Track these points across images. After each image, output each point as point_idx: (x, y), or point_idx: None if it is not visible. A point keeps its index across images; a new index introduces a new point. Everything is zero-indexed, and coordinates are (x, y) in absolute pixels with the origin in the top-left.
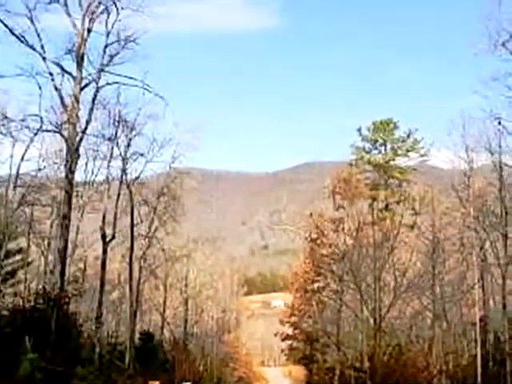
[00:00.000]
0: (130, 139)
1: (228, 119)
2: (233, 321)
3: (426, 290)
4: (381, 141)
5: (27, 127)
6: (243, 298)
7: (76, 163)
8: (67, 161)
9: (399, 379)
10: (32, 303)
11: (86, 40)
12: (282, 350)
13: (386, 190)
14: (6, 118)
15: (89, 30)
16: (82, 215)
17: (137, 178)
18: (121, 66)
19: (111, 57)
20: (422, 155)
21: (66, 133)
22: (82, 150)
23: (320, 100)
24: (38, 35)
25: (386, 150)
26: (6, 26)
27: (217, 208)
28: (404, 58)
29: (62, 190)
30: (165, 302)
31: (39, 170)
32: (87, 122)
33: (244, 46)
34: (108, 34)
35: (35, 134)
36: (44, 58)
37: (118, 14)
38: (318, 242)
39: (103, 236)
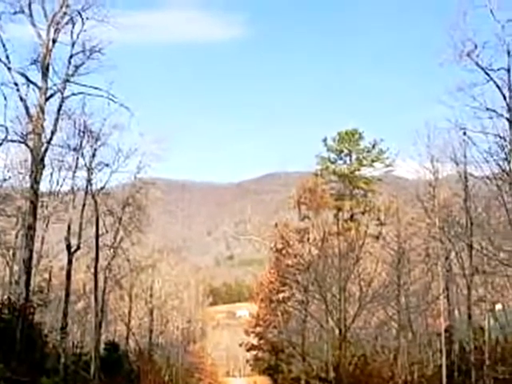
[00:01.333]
0: (96, 149)
1: (193, 130)
2: (198, 331)
3: (392, 301)
4: (346, 151)
5: None
6: (208, 308)
7: (41, 173)
8: (32, 171)
9: None
10: None
11: (51, 50)
12: (247, 361)
13: (351, 200)
14: None
15: (54, 41)
16: (47, 225)
17: (102, 188)
18: (86, 77)
19: (76, 67)
20: (387, 165)
21: (31, 143)
22: (47, 161)
23: (286, 110)
24: (3, 45)
25: (351, 160)
26: None
27: (182, 218)
28: (370, 68)
29: (27, 201)
30: (130, 313)
31: (4, 180)
32: (52, 133)
33: (211, 56)
34: (73, 45)
35: (0, 145)
36: (9, 69)
37: (83, 24)
38: (284, 252)
39: (68, 246)
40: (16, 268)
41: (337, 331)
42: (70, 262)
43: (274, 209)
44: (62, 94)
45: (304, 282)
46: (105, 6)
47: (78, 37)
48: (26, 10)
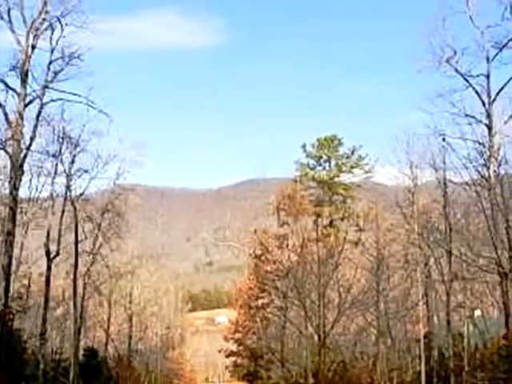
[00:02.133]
0: (75, 156)
1: (172, 136)
2: (177, 337)
3: (371, 307)
4: (325, 157)
5: None
6: (187, 315)
7: (20, 180)
8: (11, 177)
9: None
10: None
11: (30, 56)
12: (227, 367)
13: (330, 206)
14: None
15: (33, 47)
16: (26, 232)
17: (81, 194)
18: (65, 83)
19: (55, 73)
20: (367, 172)
21: (10, 149)
22: (26, 167)
23: (265, 116)
24: None
25: (330, 166)
26: None
27: (161, 224)
28: (349, 74)
29: (6, 207)
30: (109, 319)
31: None
32: (31, 139)
33: (189, 63)
34: (52, 51)
35: None
36: None
37: (62, 30)
38: (263, 258)
39: (47, 252)
40: None
41: (316, 337)
42: (49, 268)
43: (253, 215)
44: (41, 100)
45: (283, 288)
46: (84, 12)
47: (57, 43)
48: (5, 17)
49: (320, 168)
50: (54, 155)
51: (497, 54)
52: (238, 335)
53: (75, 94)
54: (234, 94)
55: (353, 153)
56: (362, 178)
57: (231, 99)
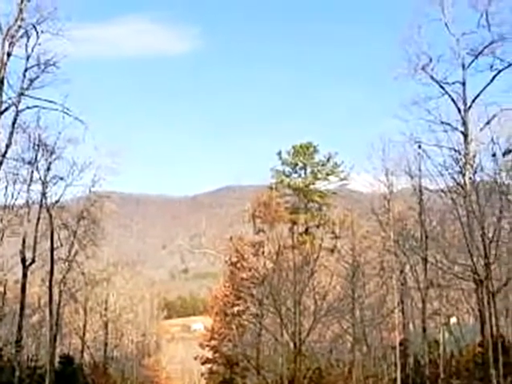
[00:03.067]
0: (50, 163)
1: (148, 143)
2: (153, 344)
3: (346, 314)
4: (301, 164)
5: None
6: (163, 322)
7: None
8: None
9: None
10: None
11: (5, 64)
12: (202, 374)
13: (305, 213)
14: None
15: (8, 54)
16: (1, 239)
17: (57, 201)
18: (41, 90)
19: (31, 80)
20: (342, 179)
21: None
22: (1, 174)
23: (241, 123)
24: None
25: (305, 173)
26: None
27: (137, 232)
28: (326, 81)
29: None
30: (85, 326)
31: None
32: (7, 146)
33: (164, 70)
34: (28, 58)
35: None
36: None
37: (37, 37)
38: (238, 265)
39: (23, 260)
40: None
41: (291, 344)
42: (24, 275)
43: (228, 222)
44: (17, 107)
45: (259, 295)
46: (59, 20)
47: (32, 50)
48: None
49: (296, 175)
50: (29, 162)
51: (472, 62)
52: (213, 342)
53: (51, 102)
54: (209, 101)
55: (328, 160)
56: (337, 186)
57: (207, 106)
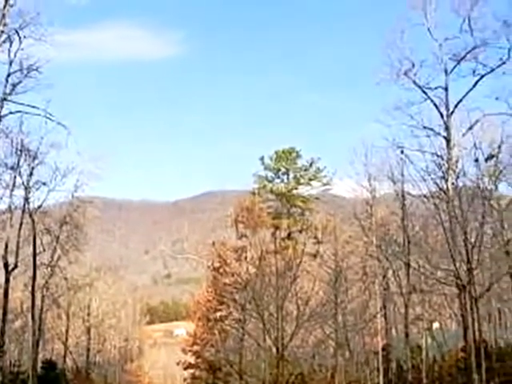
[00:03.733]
0: (33, 168)
1: (131, 148)
2: (135, 349)
3: (329, 319)
4: (283, 170)
5: None
6: (146, 327)
7: None
8: None
9: None
10: None
11: None
12: (185, 379)
13: (288, 218)
14: None
15: None
16: None
17: (39, 206)
18: (23, 95)
19: (14, 86)
20: (325, 184)
21: None
22: None
23: (223, 129)
24: None
25: (288, 178)
26: None
27: (119, 237)
28: (308, 87)
29: None
30: (67, 331)
31: None
32: None
33: (147, 75)
34: (11, 63)
35: None
36: None
37: (20, 42)
38: (221, 270)
39: (5, 265)
40: None
41: (274, 350)
42: (7, 280)
43: (211, 227)
44: (0, 112)
45: (241, 300)
46: (42, 25)
47: (15, 55)
48: None
49: (278, 180)
50: (12, 167)
51: (455, 67)
52: (196, 347)
53: (33, 107)
54: (192, 107)
55: (311, 165)
56: (320, 191)
57: (191, 111)
